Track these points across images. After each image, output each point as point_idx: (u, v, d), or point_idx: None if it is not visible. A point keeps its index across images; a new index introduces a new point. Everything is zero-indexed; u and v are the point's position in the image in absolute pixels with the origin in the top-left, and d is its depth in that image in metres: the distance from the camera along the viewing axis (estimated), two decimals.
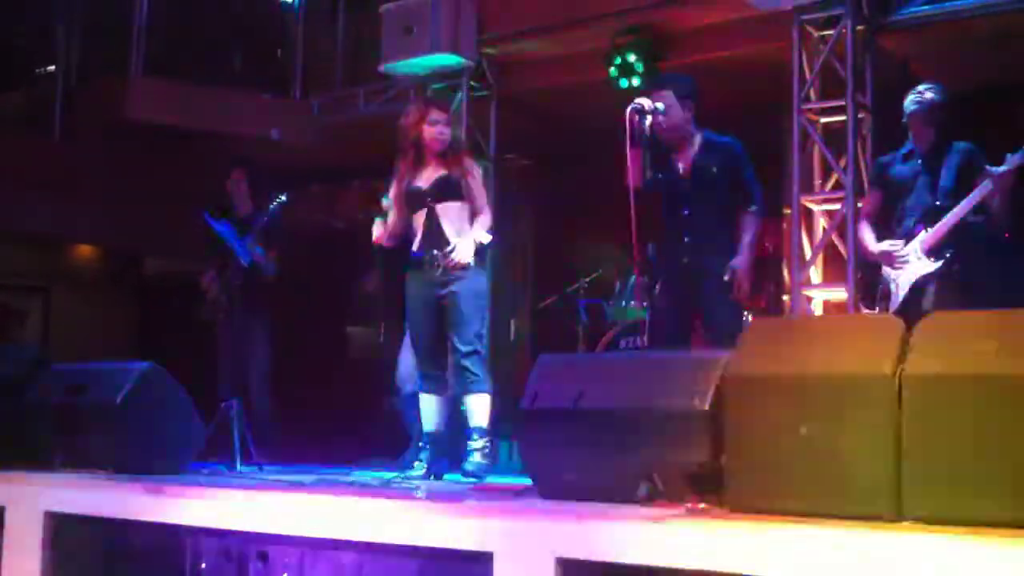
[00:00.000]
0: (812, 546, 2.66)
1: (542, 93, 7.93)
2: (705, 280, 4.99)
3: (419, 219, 5.08)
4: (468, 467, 4.91)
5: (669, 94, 5.04)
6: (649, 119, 4.82)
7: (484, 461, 4.93)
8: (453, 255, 4.92)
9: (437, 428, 5.10)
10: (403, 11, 7.53)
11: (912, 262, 4.94)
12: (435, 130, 5.08)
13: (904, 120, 5.11)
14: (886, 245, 5.03)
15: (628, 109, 4.82)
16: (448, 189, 5.06)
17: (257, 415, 6.51)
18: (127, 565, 4.14)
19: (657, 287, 5.10)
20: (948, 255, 4.86)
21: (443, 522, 3.32)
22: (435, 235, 5.01)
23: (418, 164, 5.11)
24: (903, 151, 5.15)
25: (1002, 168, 4.69)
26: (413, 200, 5.09)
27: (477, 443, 4.96)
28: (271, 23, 9.55)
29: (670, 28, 7.10)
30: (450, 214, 5.04)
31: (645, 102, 4.85)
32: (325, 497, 3.83)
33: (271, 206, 6.33)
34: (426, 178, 5.10)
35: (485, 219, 5.09)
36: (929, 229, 4.91)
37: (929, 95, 5.03)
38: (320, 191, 10.25)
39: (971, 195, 4.80)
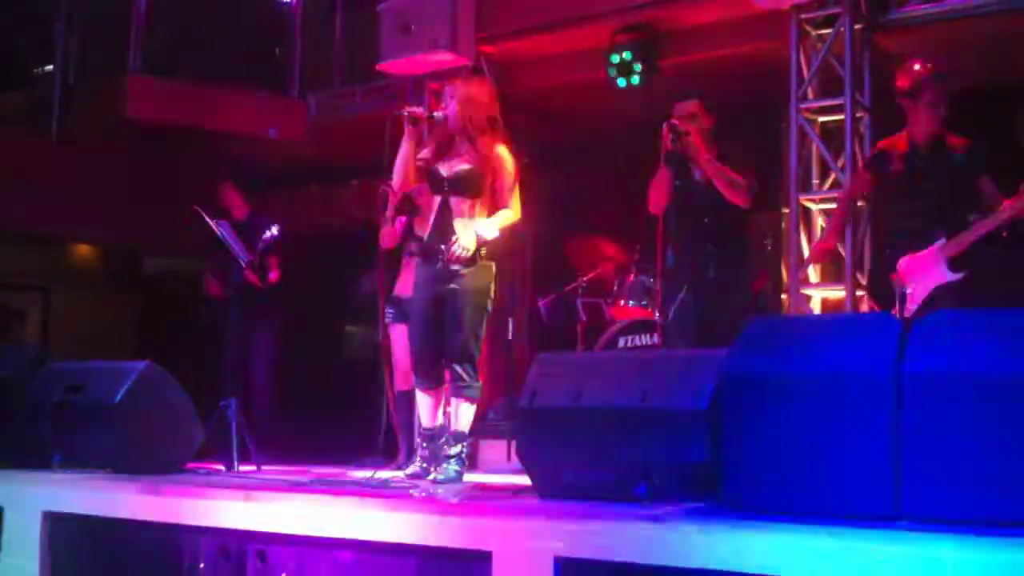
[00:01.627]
0: (810, 545, 2.66)
1: (541, 92, 7.92)
2: (731, 292, 5.12)
3: (433, 204, 4.94)
4: (440, 476, 4.79)
5: (697, 104, 5.18)
6: (681, 139, 4.91)
7: (458, 468, 4.84)
8: (454, 249, 4.77)
9: (431, 425, 5.07)
10: (401, 9, 7.51)
11: (932, 269, 4.81)
12: (446, 106, 4.95)
13: (902, 99, 5.01)
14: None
15: (664, 127, 4.87)
16: (467, 183, 4.86)
17: (258, 414, 6.53)
18: (125, 565, 4.14)
19: (682, 294, 5.11)
20: (969, 268, 4.76)
21: (441, 521, 3.32)
22: (444, 227, 4.87)
23: (446, 146, 4.96)
24: (902, 143, 5.05)
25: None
26: (432, 185, 4.95)
27: (454, 449, 4.86)
28: (269, 21, 9.54)
29: (669, 26, 7.10)
30: (465, 209, 4.86)
31: (679, 124, 4.92)
32: (323, 496, 3.83)
33: (265, 235, 6.37)
34: (449, 165, 4.92)
35: (503, 214, 4.88)
36: (947, 237, 4.78)
37: (930, 72, 4.93)
38: (318, 190, 10.25)
39: (1003, 211, 4.68)
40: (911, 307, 4.83)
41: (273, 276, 6.84)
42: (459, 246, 4.78)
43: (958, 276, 4.77)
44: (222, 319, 6.52)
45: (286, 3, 9.32)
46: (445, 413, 5.19)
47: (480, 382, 4.97)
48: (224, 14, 9.34)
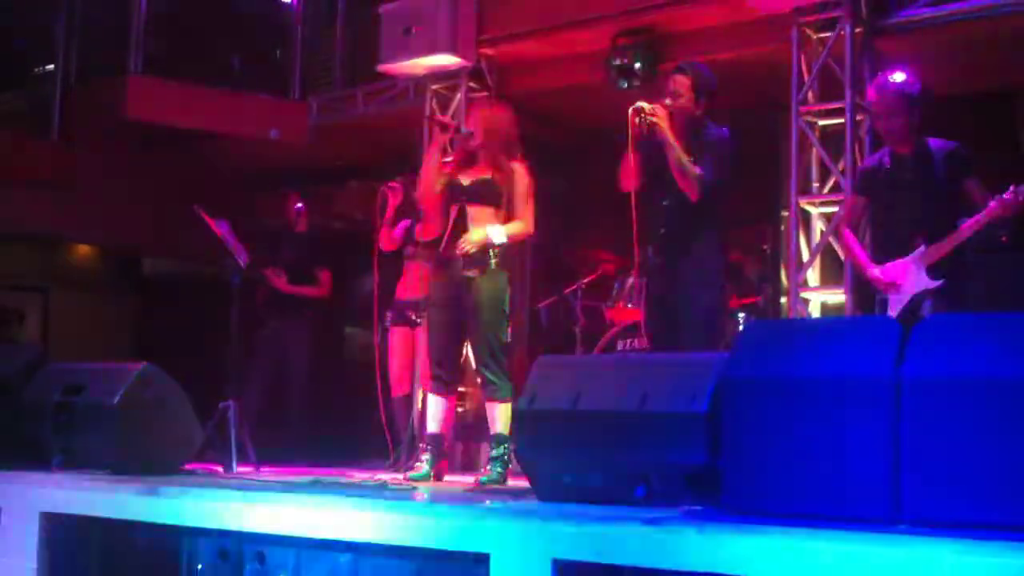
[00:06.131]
0: (809, 549, 2.66)
1: (541, 94, 7.92)
2: (680, 267, 4.89)
3: (451, 215, 5.13)
4: (484, 479, 4.91)
5: (685, 80, 4.96)
6: (650, 120, 4.78)
7: (502, 470, 4.94)
8: (460, 243, 5.00)
9: (439, 429, 5.11)
10: (402, 11, 7.53)
11: (911, 276, 4.81)
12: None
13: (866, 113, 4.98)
14: (878, 272, 4.88)
15: (631, 111, 4.80)
16: (485, 192, 5.09)
17: (295, 415, 6.94)
18: (123, 566, 4.13)
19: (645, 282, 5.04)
20: (948, 273, 4.73)
21: (440, 523, 3.32)
22: (460, 235, 5.06)
23: (467, 160, 5.20)
24: (886, 158, 4.99)
25: (1010, 197, 4.54)
26: (450, 194, 5.16)
27: (496, 451, 4.99)
28: (270, 23, 9.54)
29: (669, 29, 7.10)
30: (482, 218, 5.07)
31: (646, 104, 4.84)
32: (322, 498, 3.82)
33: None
34: (468, 175, 5.16)
35: (515, 225, 5.12)
36: (928, 244, 4.75)
37: (885, 85, 4.84)
38: (318, 191, 10.24)
39: (977, 218, 4.65)
40: (891, 314, 4.80)
41: (323, 291, 7.45)
42: (465, 241, 5.00)
43: (938, 283, 4.74)
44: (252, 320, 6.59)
45: (287, 5, 9.33)
46: (452, 419, 5.27)
47: (510, 383, 5.06)
48: (225, 16, 9.36)
